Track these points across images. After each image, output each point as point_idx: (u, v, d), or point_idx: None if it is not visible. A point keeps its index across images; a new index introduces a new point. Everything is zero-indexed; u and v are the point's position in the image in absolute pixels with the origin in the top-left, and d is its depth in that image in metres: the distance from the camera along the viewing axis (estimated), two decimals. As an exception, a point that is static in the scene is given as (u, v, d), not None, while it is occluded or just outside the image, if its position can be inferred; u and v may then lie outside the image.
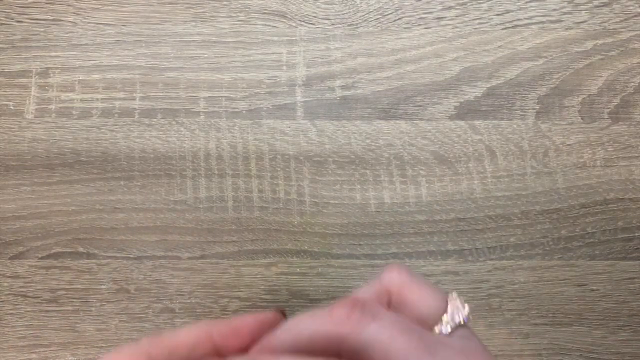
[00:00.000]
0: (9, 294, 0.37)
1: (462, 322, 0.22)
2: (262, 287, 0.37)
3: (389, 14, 0.41)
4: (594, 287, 0.38)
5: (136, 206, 0.38)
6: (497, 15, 0.41)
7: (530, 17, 0.41)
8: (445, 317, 0.22)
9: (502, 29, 0.41)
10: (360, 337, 0.20)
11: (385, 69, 0.40)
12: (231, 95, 0.40)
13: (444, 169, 0.39)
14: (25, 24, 0.41)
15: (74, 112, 0.40)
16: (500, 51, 0.40)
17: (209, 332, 0.22)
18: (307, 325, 0.21)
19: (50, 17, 0.41)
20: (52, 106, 0.40)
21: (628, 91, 0.40)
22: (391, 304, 0.23)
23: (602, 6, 0.41)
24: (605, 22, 0.41)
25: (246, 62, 0.40)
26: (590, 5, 0.41)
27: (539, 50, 0.40)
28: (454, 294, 0.23)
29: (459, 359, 0.20)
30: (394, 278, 0.23)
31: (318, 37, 0.41)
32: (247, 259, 0.38)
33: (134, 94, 0.40)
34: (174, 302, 0.38)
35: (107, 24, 0.41)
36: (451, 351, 0.20)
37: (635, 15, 0.41)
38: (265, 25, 0.41)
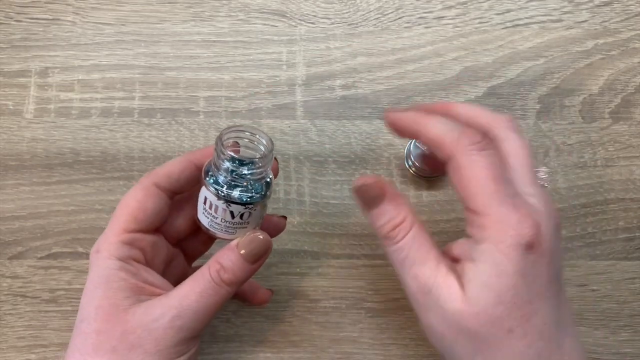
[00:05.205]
0: (8, 294, 0.37)
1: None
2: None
3: (389, 13, 0.41)
4: (595, 288, 0.37)
5: (136, 206, 0.38)
6: (498, 14, 0.41)
7: (530, 17, 0.41)
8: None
9: (503, 28, 0.41)
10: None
11: (385, 69, 0.40)
12: (231, 95, 0.40)
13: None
14: (25, 23, 0.41)
15: (73, 111, 0.39)
16: (500, 51, 0.40)
17: (190, 159, 0.29)
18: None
19: (50, 17, 0.41)
20: (52, 106, 0.40)
21: (629, 91, 0.40)
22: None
23: (603, 5, 0.41)
24: (606, 21, 0.41)
25: (246, 61, 0.40)
26: (591, 4, 0.41)
27: (539, 50, 0.40)
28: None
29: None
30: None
31: (318, 37, 0.40)
32: (247, 259, 0.38)
33: (134, 94, 0.40)
34: (174, 302, 0.37)
35: (106, 24, 0.41)
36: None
37: (636, 15, 0.41)
38: (265, 24, 0.41)
